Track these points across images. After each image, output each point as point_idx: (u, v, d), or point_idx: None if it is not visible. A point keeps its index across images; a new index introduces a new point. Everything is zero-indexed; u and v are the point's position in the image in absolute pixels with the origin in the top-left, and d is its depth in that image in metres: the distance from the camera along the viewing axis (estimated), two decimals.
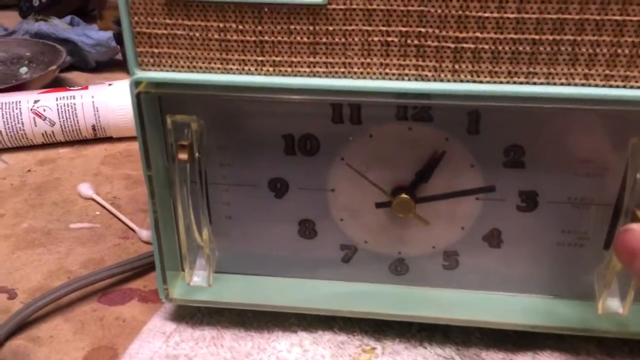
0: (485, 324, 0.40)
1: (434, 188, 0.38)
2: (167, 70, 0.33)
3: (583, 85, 0.32)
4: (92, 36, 0.87)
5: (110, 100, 0.66)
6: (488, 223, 0.39)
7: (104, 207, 0.56)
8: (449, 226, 0.39)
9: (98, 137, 0.68)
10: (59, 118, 0.65)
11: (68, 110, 0.65)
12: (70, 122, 0.65)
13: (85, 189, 0.58)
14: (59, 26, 0.89)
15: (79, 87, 0.67)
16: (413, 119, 0.36)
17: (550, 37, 0.30)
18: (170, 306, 0.44)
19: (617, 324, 0.39)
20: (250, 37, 0.32)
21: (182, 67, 0.33)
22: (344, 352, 0.41)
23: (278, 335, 0.42)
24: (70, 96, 0.65)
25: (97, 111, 0.65)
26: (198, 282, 0.41)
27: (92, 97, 0.66)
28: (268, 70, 0.33)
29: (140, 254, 0.48)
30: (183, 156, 0.35)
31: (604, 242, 0.38)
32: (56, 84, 0.78)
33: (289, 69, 0.33)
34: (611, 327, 0.39)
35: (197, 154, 0.36)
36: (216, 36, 0.32)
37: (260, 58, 0.33)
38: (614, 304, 0.38)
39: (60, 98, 0.65)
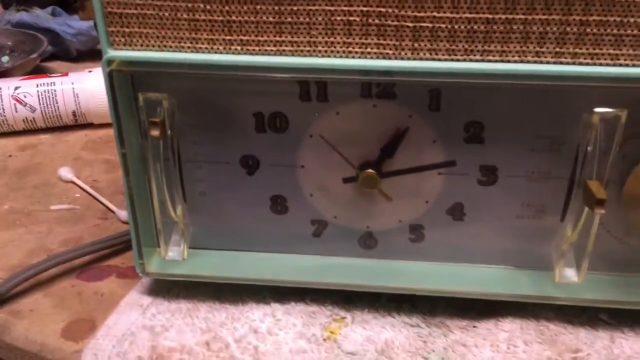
0: (450, 293, 0.42)
1: (399, 163, 0.40)
2: (139, 49, 0.35)
3: (535, 62, 0.33)
4: (73, 25, 0.87)
5: (90, 86, 0.67)
6: (451, 197, 0.41)
7: (83, 189, 0.57)
8: (414, 200, 0.41)
9: (79, 123, 0.69)
10: (40, 104, 0.66)
11: (48, 96, 0.66)
12: (51, 108, 0.66)
13: (66, 172, 0.59)
14: (40, 16, 0.90)
15: (60, 74, 0.68)
16: (377, 97, 0.38)
17: (503, 17, 0.32)
18: (148, 281, 0.46)
19: (574, 291, 0.41)
20: (218, 16, 0.33)
21: (153, 46, 0.35)
22: (315, 321, 0.42)
23: (252, 307, 0.43)
24: (51, 82, 0.67)
25: (78, 97, 0.67)
26: (173, 257, 0.42)
27: (72, 83, 0.67)
28: (236, 49, 0.34)
29: (118, 232, 0.49)
30: (155, 132, 0.36)
31: (560, 214, 0.40)
32: (38, 72, 0.78)
33: (256, 48, 0.34)
34: (568, 294, 0.41)
35: (169, 131, 0.38)
36: (185, 16, 0.34)
37: (228, 37, 0.34)
38: (570, 273, 0.40)
39: (40, 84, 0.66)
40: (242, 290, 0.44)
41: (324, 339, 0.41)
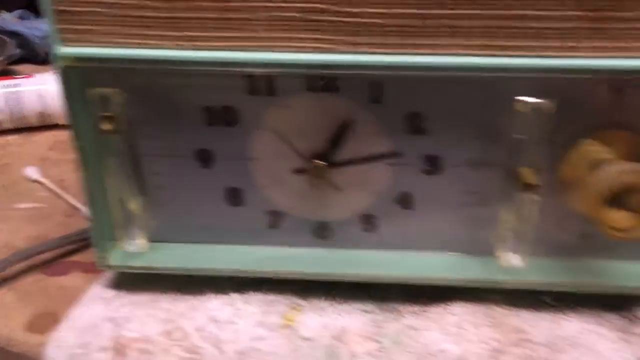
0: (402, 280, 0.44)
1: (346, 154, 0.41)
2: (90, 46, 0.36)
3: (464, 55, 0.35)
4: (41, 28, 0.89)
5: (54, 87, 0.68)
6: (399, 187, 0.43)
7: (50, 188, 0.59)
8: (363, 190, 0.43)
9: (46, 124, 0.70)
10: (6, 106, 0.67)
11: (14, 97, 0.67)
12: (16, 109, 0.68)
13: (32, 172, 0.61)
14: (7, 20, 0.91)
15: (24, 76, 0.70)
16: (322, 90, 0.39)
17: (432, 12, 0.34)
18: (111, 275, 0.47)
19: (519, 275, 0.43)
20: (165, 13, 0.35)
21: (104, 42, 0.36)
22: (273, 309, 0.44)
23: (211, 297, 0.45)
24: (16, 84, 0.68)
25: (43, 99, 0.68)
26: (132, 250, 0.44)
27: (37, 85, 0.68)
28: (183, 45, 0.36)
29: (82, 228, 0.50)
30: (107, 127, 0.38)
31: (501, 201, 0.42)
32: (5, 75, 0.80)
33: (203, 43, 0.36)
34: (513, 278, 0.43)
35: (121, 126, 0.39)
36: (134, 13, 0.35)
37: (175, 33, 0.36)
38: (514, 258, 0.42)
39: (5, 86, 0.68)
40: (202, 282, 0.46)
41: (282, 326, 0.42)
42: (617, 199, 0.35)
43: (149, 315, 0.43)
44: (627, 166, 0.35)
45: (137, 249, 0.44)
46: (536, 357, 0.39)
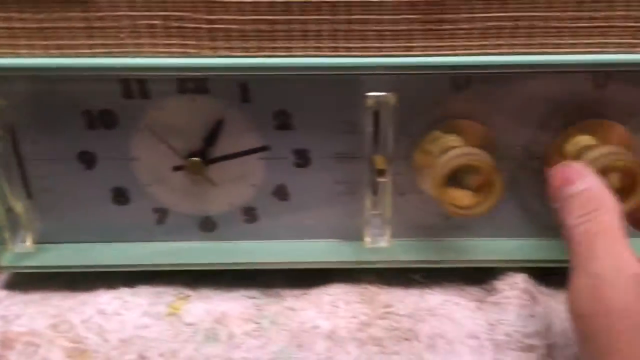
0: (282, 265, 0.47)
1: (221, 150, 0.44)
2: None
3: (315, 56, 0.39)
4: None
5: None
6: (274, 180, 0.46)
7: None
8: (242, 184, 0.46)
9: None
10: None
11: None
12: None
13: None
14: None
15: None
16: (194, 92, 0.42)
17: (283, 17, 0.38)
18: (4, 277, 0.49)
19: (384, 255, 0.47)
20: (33, 24, 0.37)
21: None
22: (161, 300, 0.46)
23: (101, 292, 0.47)
24: None
25: None
26: (19, 251, 0.46)
27: None
28: (53, 53, 0.38)
29: None
30: None
31: (371, 189, 0.46)
32: None
33: (71, 51, 0.38)
34: (380, 258, 0.47)
35: (1, 132, 0.41)
36: (3, 25, 0.37)
37: (45, 42, 0.38)
38: (380, 239, 0.46)
39: None
40: (94, 279, 0.48)
41: (167, 315, 0.45)
42: (457, 179, 0.40)
43: (39, 312, 0.45)
44: (461, 150, 0.39)
45: (25, 250, 0.45)
46: (399, 327, 0.43)
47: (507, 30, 0.37)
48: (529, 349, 0.41)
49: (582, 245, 0.33)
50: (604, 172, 0.36)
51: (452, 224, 0.47)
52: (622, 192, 0.38)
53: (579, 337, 0.32)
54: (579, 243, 0.33)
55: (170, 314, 0.45)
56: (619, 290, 0.31)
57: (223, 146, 0.44)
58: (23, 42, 0.38)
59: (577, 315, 0.32)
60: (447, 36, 0.38)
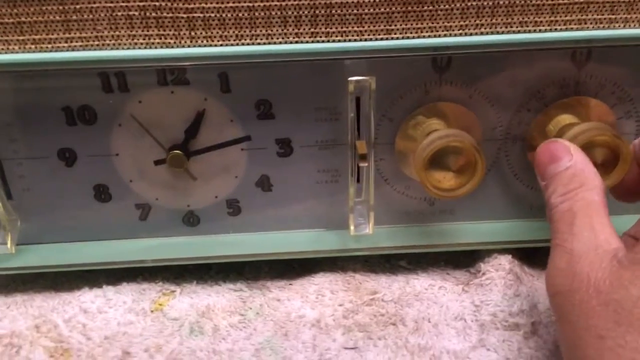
0: (269, 256, 0.47)
1: (203, 142, 0.44)
2: None
3: (296, 42, 0.39)
4: None
5: None
6: (256, 170, 0.46)
7: None
8: (225, 176, 0.46)
9: None
10: None
11: None
12: None
13: None
14: None
15: None
16: (173, 83, 0.42)
17: (262, 4, 0.38)
18: None
19: (369, 242, 0.47)
20: (9, 19, 0.37)
21: None
22: (144, 297, 0.46)
23: (85, 291, 0.47)
24: None
25: None
26: (0, 252, 0.45)
27: None
28: (30, 48, 0.38)
29: None
30: None
31: (354, 176, 0.46)
32: None
33: (49, 45, 0.38)
34: (365, 245, 0.47)
35: None
36: None
37: (21, 37, 0.38)
38: (363, 227, 0.46)
39: None
40: (77, 279, 0.48)
41: (152, 311, 0.45)
42: (439, 162, 0.40)
43: (20, 313, 0.44)
44: (444, 132, 0.39)
45: (5, 252, 0.45)
46: (385, 312, 0.43)
47: (487, 10, 0.38)
48: (514, 327, 0.42)
49: (563, 223, 0.33)
50: (586, 148, 0.37)
51: (436, 209, 0.47)
52: (605, 167, 0.38)
53: (556, 314, 0.33)
54: (560, 221, 0.33)
55: (155, 310, 0.44)
56: (595, 266, 0.31)
57: (204, 137, 0.44)
58: None
59: (554, 292, 0.33)
60: (427, 17, 0.38)
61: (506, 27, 0.39)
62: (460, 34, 0.39)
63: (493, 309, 0.42)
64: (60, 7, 0.37)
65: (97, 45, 0.38)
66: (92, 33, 0.38)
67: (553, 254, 0.33)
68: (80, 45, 0.38)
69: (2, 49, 0.38)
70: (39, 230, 0.46)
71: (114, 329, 0.42)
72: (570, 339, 0.30)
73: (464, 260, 0.48)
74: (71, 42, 0.38)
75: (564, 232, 0.33)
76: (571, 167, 0.35)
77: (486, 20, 0.38)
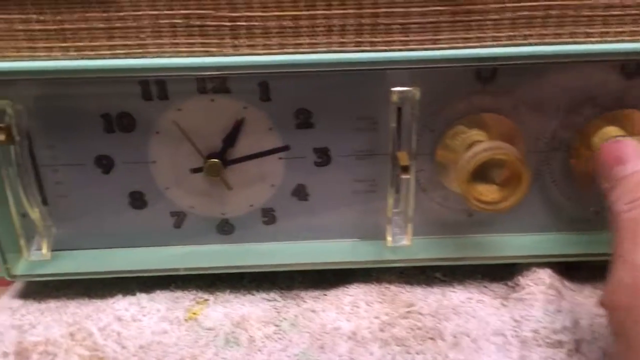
0: (303, 266, 0.47)
1: (241, 151, 0.44)
2: None
3: (340, 51, 0.38)
4: None
5: None
6: (293, 179, 0.45)
7: None
8: (261, 185, 0.46)
9: None
10: None
11: None
12: None
13: None
14: None
15: None
16: (213, 92, 0.42)
17: (307, 13, 0.37)
18: (19, 286, 0.48)
19: (406, 254, 0.46)
20: (52, 26, 0.37)
21: None
22: (178, 305, 0.46)
23: (118, 299, 0.46)
24: None
25: None
26: (35, 259, 0.45)
27: None
28: (72, 55, 0.38)
29: None
30: (1, 138, 0.39)
31: (393, 186, 0.45)
32: None
33: (91, 53, 0.38)
34: (401, 257, 0.46)
35: (17, 137, 0.40)
36: (21, 27, 0.37)
37: (63, 44, 0.37)
38: (401, 238, 0.46)
39: None
40: (111, 286, 0.47)
41: (186, 320, 0.44)
42: (482, 174, 0.39)
43: (54, 320, 0.44)
44: (487, 144, 0.39)
45: (39, 257, 0.44)
46: (422, 326, 0.43)
47: (539, 20, 0.37)
48: (557, 345, 0.41)
49: (628, 233, 0.32)
50: None
51: (474, 220, 0.46)
52: None
53: (613, 330, 0.32)
54: (624, 231, 0.32)
55: (189, 319, 0.44)
56: None
57: (242, 146, 0.43)
58: (41, 44, 0.37)
59: (613, 307, 0.32)
60: (475, 27, 0.37)
61: (555, 38, 0.38)
62: (508, 45, 0.38)
63: (535, 325, 0.41)
64: (104, 15, 0.36)
65: (140, 53, 0.38)
66: (135, 41, 0.37)
67: (615, 266, 0.32)
68: (123, 53, 0.37)
69: (45, 55, 0.37)
70: (73, 236, 0.46)
71: (149, 337, 0.42)
72: (627, 357, 0.30)
73: (500, 273, 0.47)
74: (114, 49, 0.37)
75: (629, 244, 0.31)
76: (637, 173, 0.33)
77: (536, 30, 0.37)
